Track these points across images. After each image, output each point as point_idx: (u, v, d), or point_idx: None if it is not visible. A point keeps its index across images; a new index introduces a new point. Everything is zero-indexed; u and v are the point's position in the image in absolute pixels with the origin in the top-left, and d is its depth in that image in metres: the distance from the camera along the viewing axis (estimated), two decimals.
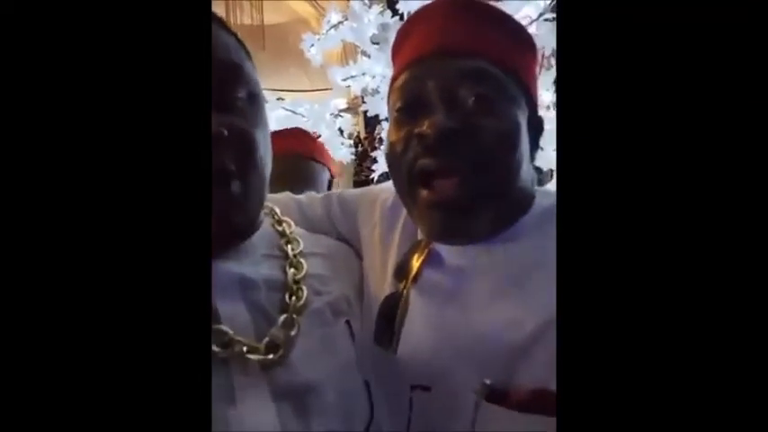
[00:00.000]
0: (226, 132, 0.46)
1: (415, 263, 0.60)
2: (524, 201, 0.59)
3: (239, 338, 0.48)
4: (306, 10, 2.89)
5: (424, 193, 0.54)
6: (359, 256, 0.68)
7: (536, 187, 0.60)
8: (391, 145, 0.58)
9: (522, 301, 0.53)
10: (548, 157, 0.97)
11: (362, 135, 2.03)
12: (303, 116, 1.55)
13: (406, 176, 0.56)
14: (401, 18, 1.23)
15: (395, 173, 0.58)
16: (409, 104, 0.56)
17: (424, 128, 0.52)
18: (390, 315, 0.59)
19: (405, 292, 0.60)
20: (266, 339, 0.50)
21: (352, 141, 1.69)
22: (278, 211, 0.63)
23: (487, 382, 0.51)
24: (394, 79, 0.60)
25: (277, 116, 1.57)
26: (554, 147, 0.90)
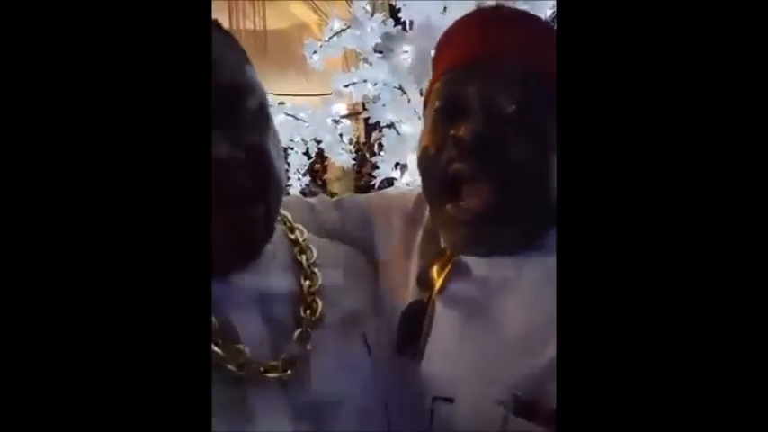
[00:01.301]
0: (242, 155, 0.45)
1: (440, 272, 0.59)
2: (553, 214, 0.58)
3: (256, 359, 0.48)
4: (308, 16, 2.90)
5: (454, 200, 0.54)
6: (373, 264, 0.67)
7: None
8: (425, 147, 0.57)
9: (548, 315, 0.50)
10: None
11: (362, 141, 2.03)
12: (305, 121, 1.56)
13: (439, 180, 0.55)
14: (403, 27, 1.24)
15: (427, 175, 0.58)
16: (447, 107, 0.56)
17: (461, 132, 0.52)
18: (415, 324, 0.58)
19: (430, 301, 0.59)
20: (283, 355, 0.49)
21: (353, 147, 1.69)
22: (290, 217, 0.61)
23: (518, 394, 0.50)
24: (434, 82, 0.60)
25: (278, 121, 1.58)
26: None
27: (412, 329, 0.58)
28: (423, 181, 0.59)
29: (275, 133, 0.53)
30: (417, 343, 0.57)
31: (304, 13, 2.96)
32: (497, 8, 0.61)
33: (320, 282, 0.56)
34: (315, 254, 0.58)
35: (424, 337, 0.58)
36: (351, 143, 1.65)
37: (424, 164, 0.57)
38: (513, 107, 0.53)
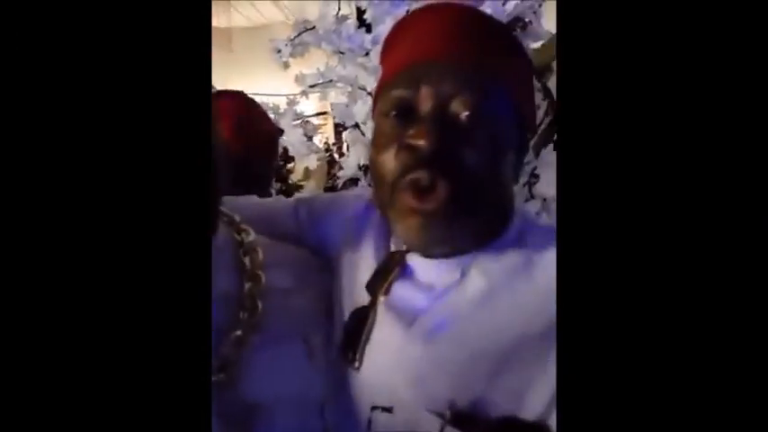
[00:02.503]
0: None
1: (388, 276, 0.58)
2: (506, 218, 0.57)
3: None
4: (275, 15, 2.87)
5: (411, 203, 0.52)
6: (327, 266, 0.65)
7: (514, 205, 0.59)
8: (377, 151, 0.55)
9: (491, 325, 0.52)
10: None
11: (331, 141, 2.03)
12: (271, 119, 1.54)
13: (391, 186, 0.53)
14: (368, 30, 1.24)
15: (379, 180, 0.55)
16: (400, 110, 0.53)
17: (419, 140, 0.50)
18: (357, 330, 0.57)
19: (372, 307, 0.57)
20: (216, 358, 0.48)
21: (322, 147, 1.68)
22: (237, 218, 0.60)
23: (455, 405, 0.49)
24: (383, 83, 0.57)
25: None
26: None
27: (354, 335, 0.57)
28: (375, 184, 0.57)
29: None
30: (357, 349, 0.56)
31: (271, 13, 2.93)
32: (451, 6, 0.57)
33: (265, 284, 0.55)
34: (261, 255, 0.57)
35: (363, 343, 0.56)
36: (320, 143, 1.64)
37: (378, 168, 0.55)
38: (467, 113, 0.51)
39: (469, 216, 0.53)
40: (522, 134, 0.58)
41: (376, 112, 0.58)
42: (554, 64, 1.05)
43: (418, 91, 0.52)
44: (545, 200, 1.03)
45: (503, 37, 0.58)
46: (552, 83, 1.04)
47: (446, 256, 0.56)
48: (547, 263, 0.53)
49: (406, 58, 0.55)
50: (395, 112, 0.54)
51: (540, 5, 1.03)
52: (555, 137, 0.93)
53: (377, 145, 0.55)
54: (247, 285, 0.54)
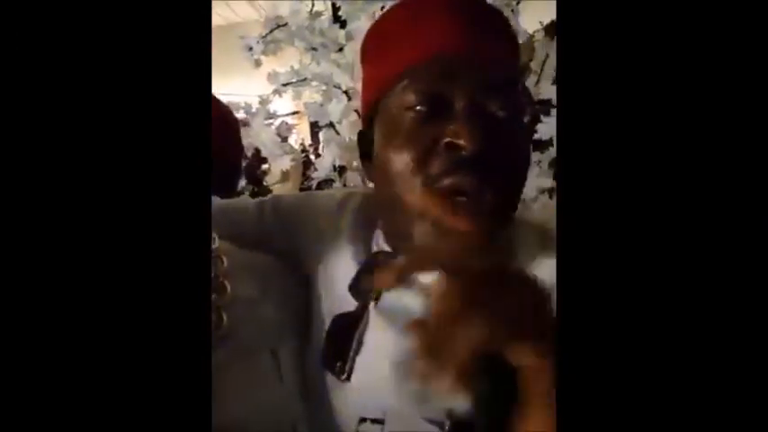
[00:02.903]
0: None
1: (380, 279, 0.54)
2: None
3: None
4: (247, 13, 2.83)
5: (442, 212, 0.45)
6: (295, 272, 0.61)
7: None
8: (394, 147, 0.48)
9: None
10: None
11: (308, 142, 1.99)
12: (245, 123, 1.50)
13: (422, 187, 0.46)
14: (342, 26, 1.21)
15: (397, 180, 0.48)
16: (430, 104, 0.47)
17: (459, 138, 0.45)
18: (345, 337, 0.52)
19: (363, 311, 0.52)
20: None
21: (297, 147, 1.65)
22: None
23: (454, 414, 0.45)
24: (397, 72, 0.50)
25: None
26: None
27: (341, 343, 0.52)
28: (383, 185, 0.51)
29: None
30: (347, 358, 0.51)
31: (243, 11, 2.89)
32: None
33: (229, 293, 0.51)
34: (225, 264, 0.53)
35: (353, 352, 0.52)
36: (296, 144, 1.61)
37: (393, 168, 0.48)
38: (503, 113, 0.47)
39: (501, 226, 0.49)
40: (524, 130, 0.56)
41: (387, 106, 0.52)
42: (532, 64, 1.04)
43: (452, 84, 0.47)
44: (524, 200, 1.01)
45: (508, 28, 0.55)
46: (530, 82, 1.03)
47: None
48: (541, 265, 0.49)
49: (429, 46, 0.49)
50: (423, 107, 0.48)
51: (517, 3, 1.01)
52: (533, 137, 0.91)
53: (393, 140, 0.49)
54: (212, 297, 0.50)
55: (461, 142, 0.45)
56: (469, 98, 0.47)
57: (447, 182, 0.46)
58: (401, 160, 0.48)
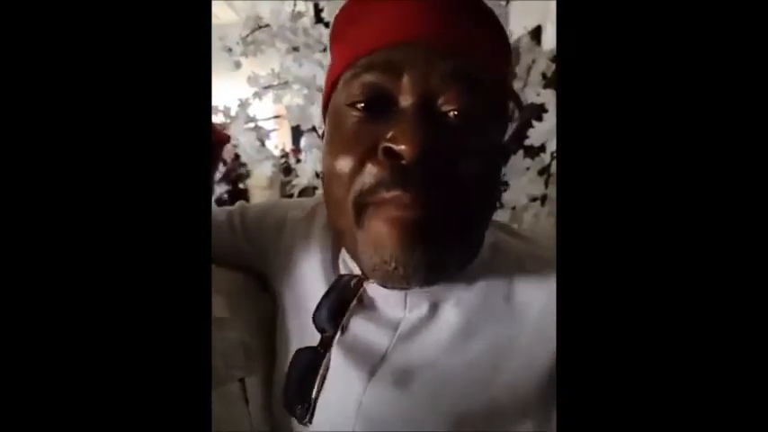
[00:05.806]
0: None
1: (340, 307, 0.46)
2: (479, 245, 0.46)
3: None
4: (227, 15, 2.78)
5: (380, 226, 0.39)
6: (266, 289, 0.56)
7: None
8: (335, 153, 0.41)
9: (466, 364, 0.43)
10: None
11: (288, 148, 1.94)
12: (223, 122, 1.44)
13: (356, 199, 0.40)
14: (326, 26, 1.17)
15: (338, 191, 0.42)
16: (372, 101, 0.40)
17: (401, 144, 0.37)
18: (307, 379, 0.46)
19: (327, 347, 0.46)
20: None
21: (278, 153, 1.60)
22: None
23: None
24: (346, 64, 0.43)
25: None
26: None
27: (302, 385, 0.46)
28: (330, 197, 0.43)
29: None
30: (308, 402, 0.45)
31: (223, 13, 2.83)
32: None
33: None
34: None
35: (316, 395, 0.45)
36: (276, 149, 1.56)
37: (336, 178, 0.41)
38: (455, 112, 0.40)
39: (453, 243, 0.41)
40: (503, 135, 0.48)
41: (335, 101, 0.45)
42: (516, 69, 1.01)
43: (399, 79, 0.40)
44: (514, 208, 0.98)
45: (491, 20, 0.46)
46: (518, 85, 1.00)
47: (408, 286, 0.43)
48: (530, 289, 0.44)
49: (380, 33, 0.42)
50: (364, 103, 0.41)
51: (506, 4, 0.99)
52: (524, 142, 0.88)
53: (335, 145, 0.42)
54: None
55: (402, 148, 0.37)
56: (418, 94, 0.40)
57: (382, 196, 0.39)
58: (337, 167, 0.41)
